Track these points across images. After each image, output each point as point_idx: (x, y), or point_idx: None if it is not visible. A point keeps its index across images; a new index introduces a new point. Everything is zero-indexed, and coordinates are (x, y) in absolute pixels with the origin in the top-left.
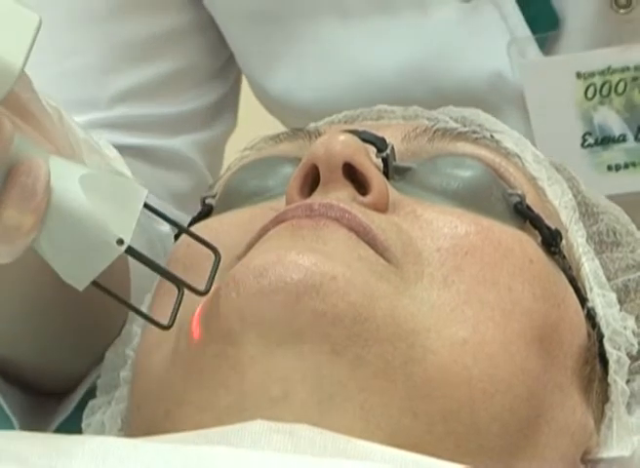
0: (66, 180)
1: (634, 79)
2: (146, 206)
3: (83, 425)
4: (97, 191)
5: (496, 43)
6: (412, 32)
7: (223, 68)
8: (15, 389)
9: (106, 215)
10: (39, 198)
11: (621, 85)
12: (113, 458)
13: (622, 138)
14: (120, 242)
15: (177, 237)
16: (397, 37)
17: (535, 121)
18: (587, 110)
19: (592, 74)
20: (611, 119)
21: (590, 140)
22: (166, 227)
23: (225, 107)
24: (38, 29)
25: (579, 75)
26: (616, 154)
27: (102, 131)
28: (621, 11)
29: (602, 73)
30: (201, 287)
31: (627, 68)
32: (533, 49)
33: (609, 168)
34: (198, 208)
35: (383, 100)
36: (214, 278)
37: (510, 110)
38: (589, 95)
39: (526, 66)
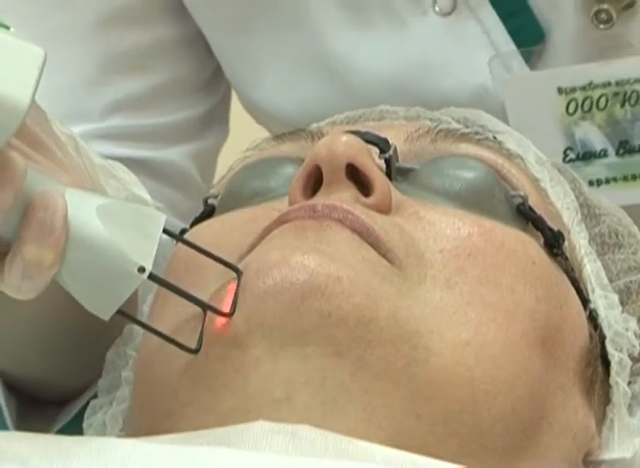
0: (84, 212)
1: (615, 94)
2: (165, 231)
3: (84, 425)
4: (115, 220)
5: (479, 57)
6: (391, 46)
7: (213, 80)
8: (12, 396)
9: (126, 244)
10: (58, 232)
11: (603, 100)
12: (114, 459)
13: (604, 154)
14: (142, 270)
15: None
16: (377, 51)
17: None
18: (569, 125)
19: (574, 89)
20: (592, 134)
21: (572, 155)
22: None
23: (216, 118)
24: (44, 64)
25: (560, 90)
26: (597, 169)
27: (95, 142)
28: (602, 26)
29: (583, 88)
30: (207, 286)
31: (609, 84)
32: (516, 63)
33: (590, 183)
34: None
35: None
36: (235, 302)
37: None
38: (571, 110)
39: (507, 81)
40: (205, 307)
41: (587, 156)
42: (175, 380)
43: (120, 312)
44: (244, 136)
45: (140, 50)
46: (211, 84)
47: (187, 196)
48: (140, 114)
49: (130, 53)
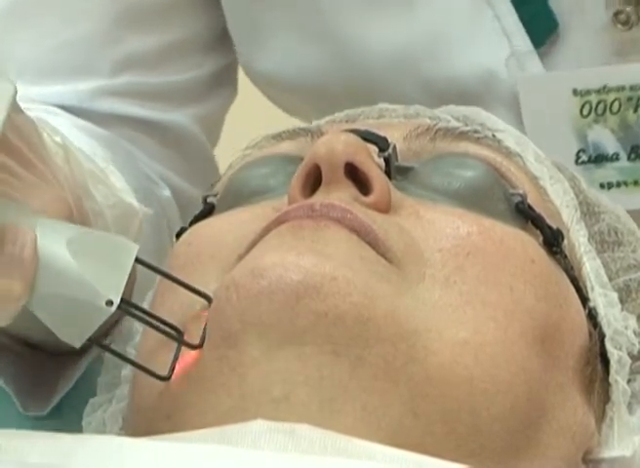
0: (54, 245)
1: (629, 99)
2: (138, 260)
3: (83, 423)
4: (85, 253)
5: (489, 42)
6: (400, 24)
7: (223, 40)
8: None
9: (95, 278)
10: (27, 265)
11: (616, 104)
12: (113, 458)
13: (616, 157)
14: (110, 303)
15: (178, 236)
16: (386, 28)
17: (530, 135)
18: (582, 128)
19: (588, 92)
20: (605, 137)
21: (584, 158)
22: (167, 191)
23: (225, 79)
24: (13, 98)
25: (575, 92)
26: (608, 172)
27: (104, 98)
28: (620, 27)
29: (598, 92)
30: (205, 285)
31: (623, 88)
32: (531, 61)
33: (601, 185)
34: (201, 181)
35: (369, 88)
36: (204, 333)
37: (502, 110)
38: (585, 112)
39: (523, 80)
40: (178, 339)
41: (599, 159)
42: (172, 380)
43: (91, 340)
44: (243, 136)
45: (156, 6)
46: (221, 44)
47: (191, 159)
48: (150, 72)
49: (145, 9)
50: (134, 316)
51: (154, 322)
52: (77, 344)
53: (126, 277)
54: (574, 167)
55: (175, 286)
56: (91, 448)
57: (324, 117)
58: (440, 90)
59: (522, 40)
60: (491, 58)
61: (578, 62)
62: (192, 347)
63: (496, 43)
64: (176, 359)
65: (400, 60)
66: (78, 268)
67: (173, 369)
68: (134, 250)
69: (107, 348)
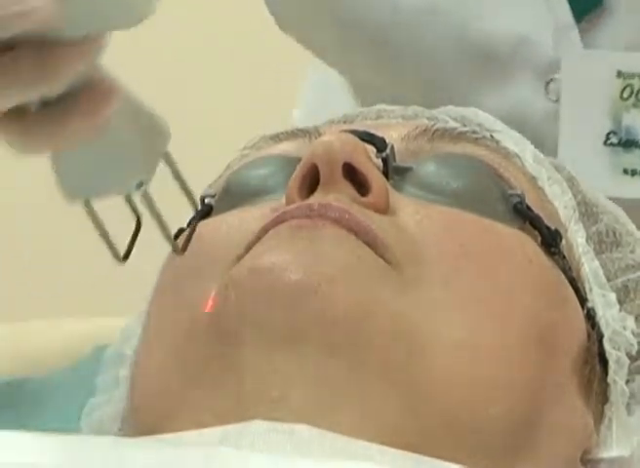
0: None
1: None
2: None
3: (82, 424)
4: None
5: (530, 7)
6: None
7: None
8: None
9: (142, 153)
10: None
11: None
12: (112, 458)
13: None
14: (140, 185)
15: (176, 237)
16: None
17: (564, 109)
18: (619, 110)
19: (632, 75)
20: (639, 123)
21: (614, 140)
22: None
23: None
24: None
25: (619, 74)
26: (635, 159)
27: None
28: None
29: None
30: (204, 286)
31: None
32: (571, 33)
33: (625, 171)
34: None
35: (393, 35)
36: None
37: (530, 77)
38: (625, 95)
39: (569, 54)
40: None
41: (629, 144)
42: (171, 380)
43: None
44: (243, 136)
45: None
46: None
47: None
48: None
49: None
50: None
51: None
52: (73, 199)
53: (158, 163)
54: (601, 147)
55: (173, 287)
56: (89, 449)
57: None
58: (471, 46)
59: (563, 11)
60: (529, 24)
61: (617, 43)
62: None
63: (536, 10)
64: (133, 241)
65: (433, 12)
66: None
67: (129, 251)
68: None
69: (95, 218)
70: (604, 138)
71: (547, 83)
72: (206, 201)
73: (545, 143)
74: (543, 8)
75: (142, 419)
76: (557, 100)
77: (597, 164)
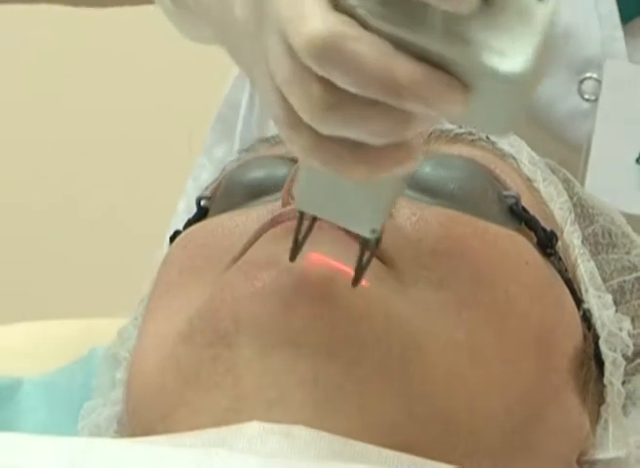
0: None
1: None
2: None
3: (78, 427)
4: None
5: (576, 2)
6: None
7: None
8: None
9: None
10: None
11: None
12: (109, 460)
13: None
14: (373, 231)
15: (172, 239)
16: None
17: (600, 117)
18: None
19: None
20: None
21: None
22: None
23: None
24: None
25: None
26: None
27: None
28: None
29: None
30: (200, 288)
31: None
32: (616, 34)
33: None
34: None
35: None
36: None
37: (558, 71)
38: None
39: (613, 64)
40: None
41: None
42: (167, 382)
43: None
44: None
45: None
46: None
47: None
48: None
49: None
50: None
51: None
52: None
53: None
54: (634, 165)
55: (169, 289)
56: (86, 450)
57: None
58: None
59: (611, 10)
60: (574, 17)
61: None
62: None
63: (584, 4)
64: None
65: None
66: None
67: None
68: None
69: None
70: (637, 156)
71: (581, 81)
72: (202, 203)
73: (570, 140)
74: (591, 3)
75: (139, 421)
76: (590, 100)
77: (628, 182)
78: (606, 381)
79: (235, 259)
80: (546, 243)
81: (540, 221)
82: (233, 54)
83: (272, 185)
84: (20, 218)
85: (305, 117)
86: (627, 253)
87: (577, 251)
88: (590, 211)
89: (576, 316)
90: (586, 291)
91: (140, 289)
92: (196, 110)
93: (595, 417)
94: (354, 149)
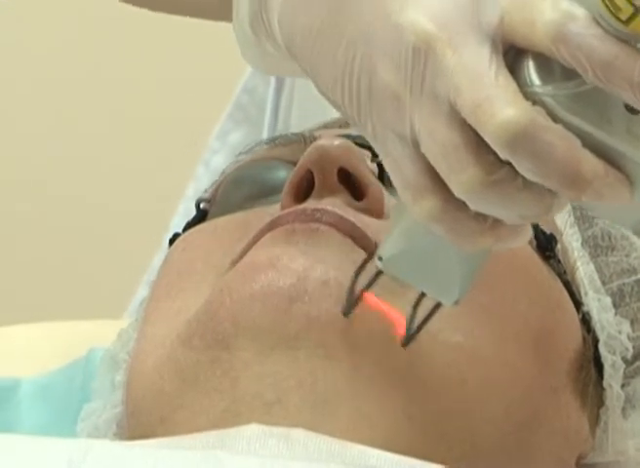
0: None
1: None
2: None
3: (77, 429)
4: None
5: None
6: None
7: None
8: None
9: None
10: None
11: None
12: (108, 462)
13: None
14: (456, 302)
15: (171, 242)
16: None
17: None
18: None
19: None
20: None
21: None
22: None
23: None
24: None
25: None
26: None
27: None
28: None
29: None
30: (199, 291)
31: None
32: None
33: None
34: None
35: None
36: None
37: None
38: None
39: None
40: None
41: None
42: (166, 385)
43: None
44: None
45: None
46: None
47: None
48: None
49: None
50: None
51: None
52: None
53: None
54: None
55: (169, 291)
56: (85, 452)
57: None
58: None
59: None
60: None
61: None
62: None
63: None
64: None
65: None
66: None
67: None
68: None
69: None
70: None
71: None
72: (201, 206)
73: None
74: None
75: (138, 423)
76: None
77: None
78: (605, 384)
79: (234, 262)
80: (546, 246)
81: (540, 224)
82: (342, 99)
83: (272, 188)
84: (19, 220)
85: (457, 190)
86: (627, 255)
87: (576, 253)
88: (590, 213)
89: (575, 319)
90: (586, 293)
91: (138, 291)
92: (200, 110)
93: (594, 420)
94: (482, 220)
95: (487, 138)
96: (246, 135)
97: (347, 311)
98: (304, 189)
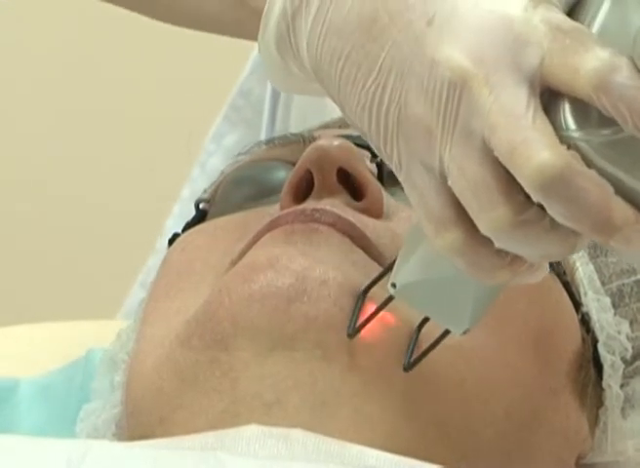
0: None
1: None
2: None
3: (77, 429)
4: None
5: None
6: None
7: None
8: None
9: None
10: None
11: None
12: (107, 462)
13: None
14: (465, 331)
15: (170, 242)
16: None
17: None
18: None
19: None
20: None
21: None
22: None
23: None
24: None
25: None
26: None
27: None
28: None
29: None
30: (198, 291)
31: None
32: None
33: None
34: None
35: None
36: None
37: None
38: None
39: None
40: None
41: None
42: (165, 385)
43: None
44: None
45: None
46: None
47: None
48: None
49: None
50: None
51: None
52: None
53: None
54: None
55: (168, 292)
56: (84, 453)
57: None
58: None
59: None
60: None
61: None
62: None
63: None
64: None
65: None
66: None
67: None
68: None
69: None
70: None
71: None
72: (200, 206)
73: None
74: None
75: (137, 423)
76: None
77: None
78: (604, 384)
79: (234, 262)
80: None
81: None
82: (368, 126)
83: (271, 188)
84: (18, 220)
85: (485, 228)
86: None
87: (575, 254)
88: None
89: (574, 319)
90: (585, 294)
91: (137, 291)
92: (195, 112)
93: (594, 420)
94: (503, 256)
95: (521, 180)
96: (241, 137)
97: (353, 334)
98: (304, 189)
